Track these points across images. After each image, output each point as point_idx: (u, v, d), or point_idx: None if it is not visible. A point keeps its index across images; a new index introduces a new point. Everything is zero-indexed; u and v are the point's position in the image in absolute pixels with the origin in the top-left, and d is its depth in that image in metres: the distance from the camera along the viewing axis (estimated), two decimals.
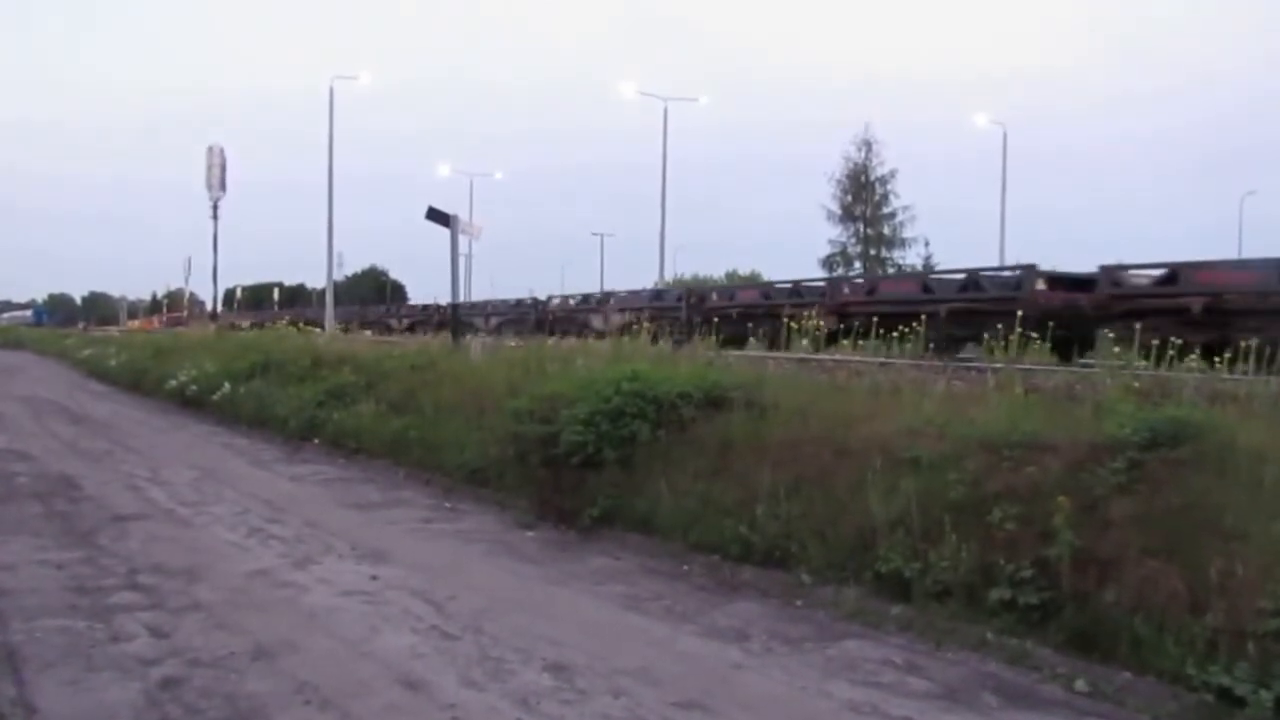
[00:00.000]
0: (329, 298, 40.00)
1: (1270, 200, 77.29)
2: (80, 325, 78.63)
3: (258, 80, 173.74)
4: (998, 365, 8.14)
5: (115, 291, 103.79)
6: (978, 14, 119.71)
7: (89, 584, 6.00)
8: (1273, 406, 5.74)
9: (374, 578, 6.27)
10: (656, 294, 27.64)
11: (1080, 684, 4.50)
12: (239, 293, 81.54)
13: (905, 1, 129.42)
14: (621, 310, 26.14)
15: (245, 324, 41.12)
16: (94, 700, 4.22)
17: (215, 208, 32.25)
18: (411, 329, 37.32)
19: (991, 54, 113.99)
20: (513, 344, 14.25)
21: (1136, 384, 6.52)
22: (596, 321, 26.81)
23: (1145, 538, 4.78)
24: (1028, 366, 8.39)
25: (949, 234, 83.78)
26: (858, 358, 10.96)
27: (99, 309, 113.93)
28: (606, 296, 29.54)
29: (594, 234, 72.12)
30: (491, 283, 79.93)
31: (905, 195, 52.76)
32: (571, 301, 31.13)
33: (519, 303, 34.04)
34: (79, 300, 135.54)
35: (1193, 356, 8.04)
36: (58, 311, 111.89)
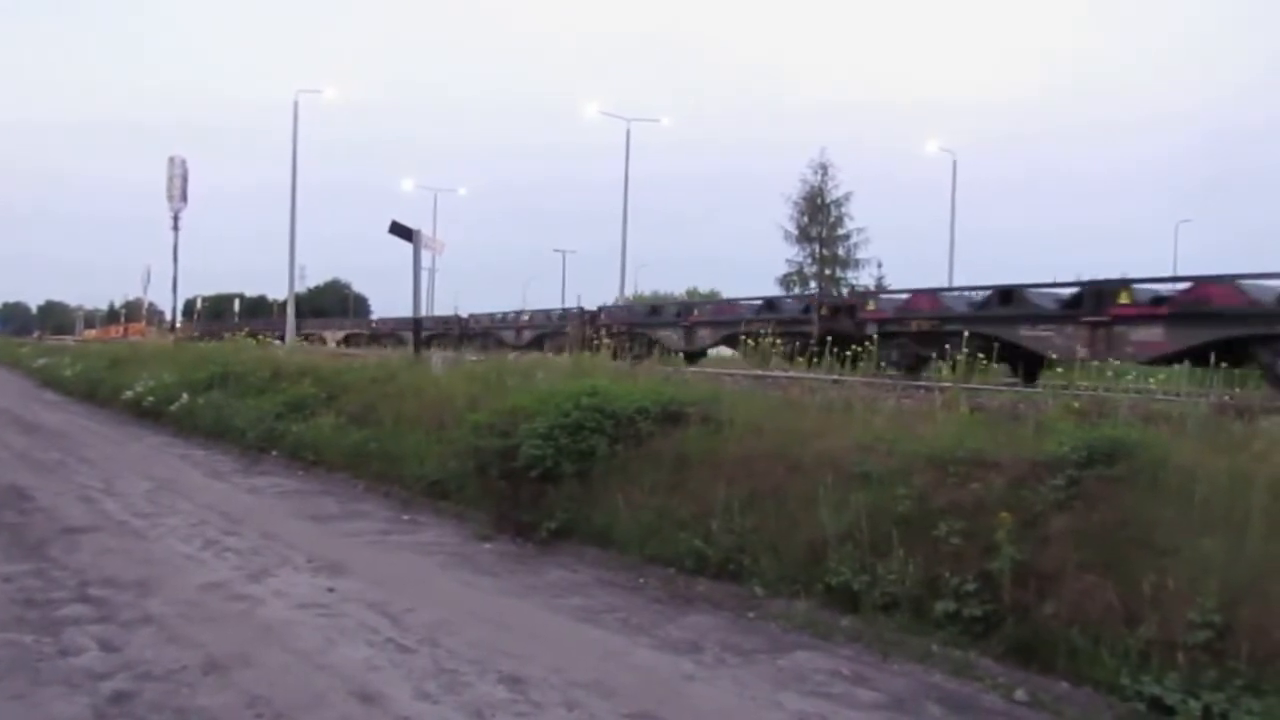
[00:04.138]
0: (290, 310, 39.72)
1: (1207, 229, 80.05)
2: (35, 334, 77.32)
3: (222, 87, 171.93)
4: (945, 384, 8.34)
5: (72, 301, 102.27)
6: (937, 42, 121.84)
7: (38, 597, 5.93)
8: (1202, 427, 5.94)
9: (331, 590, 6.27)
10: (563, 313, 30.69)
11: (1020, 694, 4.63)
12: (199, 303, 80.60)
13: (870, 29, 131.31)
14: (530, 326, 30.54)
15: (197, 333, 41.43)
16: (41, 715, 4.18)
17: (176, 219, 31.96)
18: (345, 341, 39.19)
19: (949, 81, 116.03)
20: (473, 358, 14.30)
21: (1076, 404, 6.71)
22: (509, 336, 30.58)
23: (1082, 552, 4.94)
24: (973, 386, 8.59)
25: (910, 252, 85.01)
26: (811, 375, 11.13)
27: (55, 318, 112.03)
28: (519, 314, 33.74)
29: (556, 250, 72.33)
30: (455, 298, 79.89)
31: (862, 216, 54.03)
32: (498, 315, 34.78)
33: (446, 319, 38.16)
34: (34, 309, 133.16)
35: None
36: (12, 320, 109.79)
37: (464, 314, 38.19)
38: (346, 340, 40.70)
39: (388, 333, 39.64)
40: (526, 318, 32.70)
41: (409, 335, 33.20)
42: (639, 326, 24.99)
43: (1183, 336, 12.84)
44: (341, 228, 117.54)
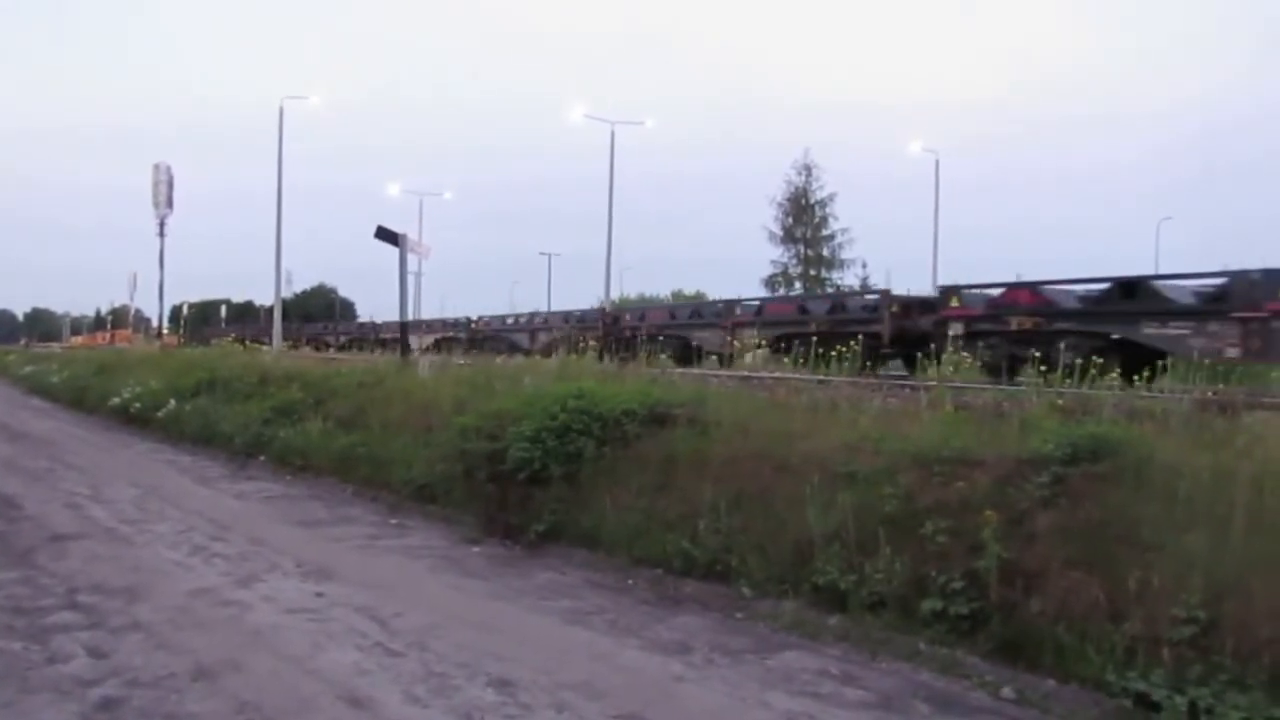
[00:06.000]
0: (277, 315, 39.51)
1: (1186, 227, 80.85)
2: (22, 341, 77.02)
3: (210, 93, 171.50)
4: (930, 383, 8.38)
5: (59, 307, 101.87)
6: (920, 43, 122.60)
7: (26, 604, 5.91)
8: (1186, 424, 5.97)
9: (319, 595, 6.27)
10: (836, 303, 29.06)
11: (1007, 691, 4.66)
12: (185, 309, 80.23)
13: (861, 29, 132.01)
14: (761, 323, 26.38)
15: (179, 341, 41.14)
16: None
17: (162, 225, 31.96)
18: (436, 347, 38.98)
19: (939, 80, 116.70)
20: (461, 362, 14.30)
21: (1060, 401, 6.74)
22: (707, 340, 27.43)
23: (1068, 550, 4.97)
24: (958, 384, 8.63)
25: (896, 251, 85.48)
26: (796, 375, 11.16)
27: (42, 325, 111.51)
28: (729, 304, 30.63)
29: (541, 253, 72.38)
30: (441, 301, 79.78)
31: (849, 217, 54.19)
32: (686, 312, 33.84)
33: (583, 314, 35.82)
34: (21, 316, 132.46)
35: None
36: None
37: (609, 308, 31.45)
38: (437, 345, 30.91)
39: (492, 335, 32.97)
40: (744, 312, 25.29)
41: (525, 339, 32.64)
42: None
43: None
44: (328, 232, 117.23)
